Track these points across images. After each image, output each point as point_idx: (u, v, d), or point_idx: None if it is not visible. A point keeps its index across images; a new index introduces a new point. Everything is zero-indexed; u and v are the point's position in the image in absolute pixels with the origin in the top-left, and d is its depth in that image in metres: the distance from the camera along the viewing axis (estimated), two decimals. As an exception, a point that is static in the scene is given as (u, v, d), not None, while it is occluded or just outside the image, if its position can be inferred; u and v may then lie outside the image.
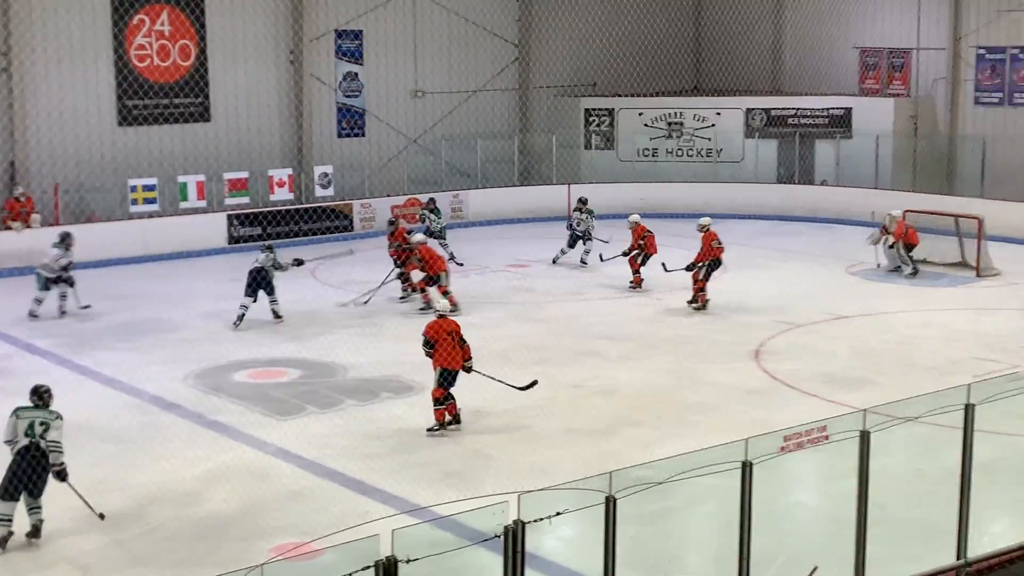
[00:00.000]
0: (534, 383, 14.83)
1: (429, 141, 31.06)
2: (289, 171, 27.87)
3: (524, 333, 18.81)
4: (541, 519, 7.09)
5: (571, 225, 24.36)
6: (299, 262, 20.19)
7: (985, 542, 9.81)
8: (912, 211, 24.09)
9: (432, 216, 25.33)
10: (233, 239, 26.51)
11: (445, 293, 20.01)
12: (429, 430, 14.02)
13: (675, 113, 32.40)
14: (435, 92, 31.16)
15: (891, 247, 23.17)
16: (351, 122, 30.03)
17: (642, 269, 21.88)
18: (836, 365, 16.86)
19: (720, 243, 20.33)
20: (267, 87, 28.61)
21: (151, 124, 27.00)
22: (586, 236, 24.05)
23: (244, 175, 27.04)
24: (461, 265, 24.20)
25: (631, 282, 21.92)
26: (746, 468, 7.98)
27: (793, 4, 33.84)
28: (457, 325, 14.32)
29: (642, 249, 21.95)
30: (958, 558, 8.99)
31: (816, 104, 31.39)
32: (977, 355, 17.10)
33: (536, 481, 11.79)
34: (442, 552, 6.83)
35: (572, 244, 24.22)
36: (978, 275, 22.82)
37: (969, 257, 23.33)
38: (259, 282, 19.47)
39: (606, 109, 32.78)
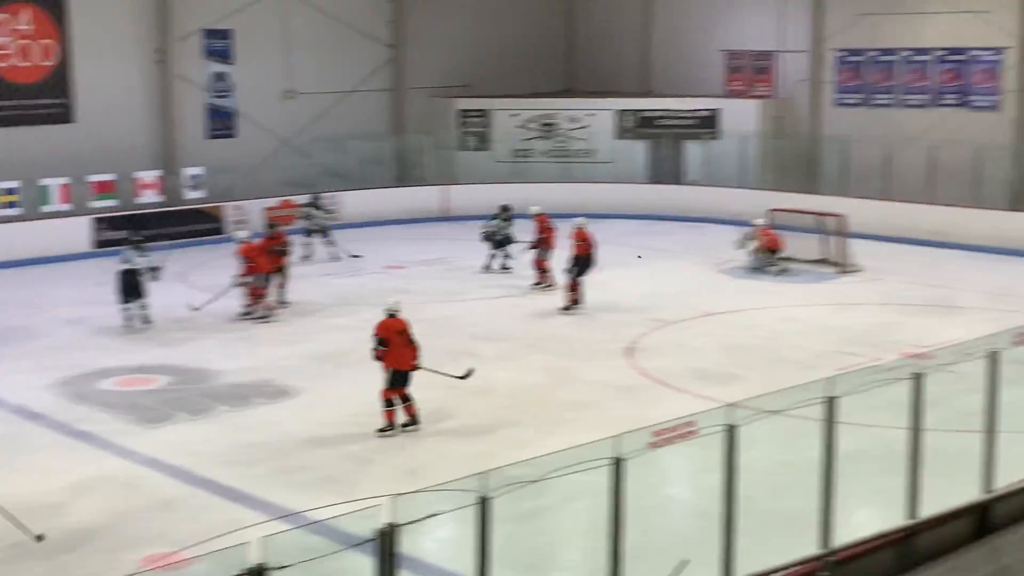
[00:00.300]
0: (471, 371, 14.97)
1: (302, 142, 30.70)
2: (157, 173, 27.31)
3: (399, 335, 18.69)
4: (415, 521, 7.06)
5: (489, 235, 23.73)
6: (155, 270, 19.57)
7: (848, 531, 10.07)
8: (777, 209, 24.66)
9: (318, 213, 25.20)
10: (99, 243, 25.82)
11: (260, 296, 19.77)
12: (379, 431, 13.86)
13: (548, 114, 32.61)
14: (308, 93, 30.80)
15: (756, 252, 23.62)
16: (221, 123, 29.52)
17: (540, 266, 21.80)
18: (706, 361, 17.16)
19: (582, 240, 20.20)
20: (133, 87, 27.95)
21: (12, 126, 26.13)
22: (506, 242, 23.66)
23: (110, 177, 26.41)
24: (359, 256, 24.47)
25: (537, 282, 21.83)
26: (617, 464, 8.05)
27: (661, 8, 34.34)
28: (405, 323, 14.05)
29: (541, 242, 21.86)
30: (822, 547, 9.21)
31: (684, 106, 31.90)
32: (840, 349, 17.57)
33: (412, 483, 11.77)
34: (314, 558, 6.75)
35: (497, 248, 23.77)
36: (841, 271, 23.45)
37: (832, 254, 23.96)
38: (130, 284, 19.06)
39: (480, 110, 32.84)
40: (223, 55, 29.36)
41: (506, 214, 23.78)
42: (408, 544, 7.10)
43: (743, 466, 8.79)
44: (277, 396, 15.55)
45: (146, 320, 19.27)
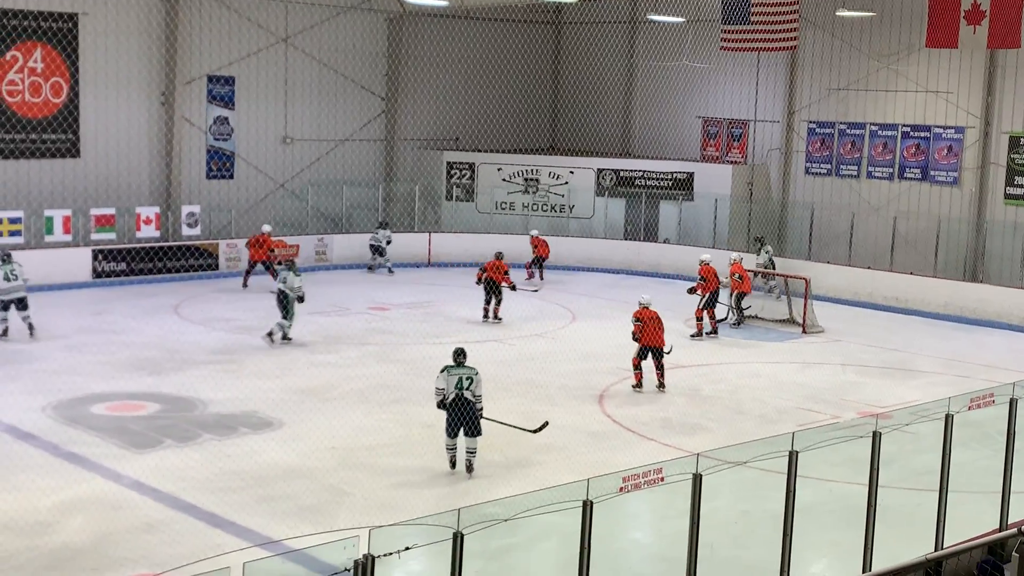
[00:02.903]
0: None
1: (296, 186, 30.75)
2: (156, 209, 27.26)
3: (381, 373, 18.67)
4: (391, 553, 7.01)
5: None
6: (301, 299, 20.34)
7: (805, 580, 10.06)
8: (747, 271, 24.75)
9: (384, 233, 28.88)
10: (97, 274, 25.75)
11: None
12: (634, 387, 18.08)
13: (531, 170, 32.77)
14: (304, 139, 30.91)
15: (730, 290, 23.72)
16: (220, 164, 29.55)
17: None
18: (672, 411, 17.14)
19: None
20: (138, 126, 27.97)
21: (20, 158, 26.10)
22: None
23: (111, 211, 26.35)
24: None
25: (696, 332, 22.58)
26: (586, 507, 8.03)
27: (643, 74, 34.67)
28: (656, 314, 18.31)
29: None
30: (780, 595, 9.19)
31: (661, 167, 32.12)
32: (801, 405, 17.60)
33: (388, 516, 11.68)
34: (292, 585, 6.70)
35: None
36: (804, 332, 23.53)
37: (796, 315, 24.05)
38: (282, 303, 20.18)
39: (467, 163, 32.98)
40: (225, 100, 29.44)
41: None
42: (382, 575, 7.05)
43: (706, 514, 8.78)
44: (261, 427, 15.46)
45: (286, 337, 20.20)
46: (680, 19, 30.82)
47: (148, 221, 26.91)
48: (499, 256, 23.44)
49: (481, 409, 13.78)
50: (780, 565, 9.33)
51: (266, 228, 26.80)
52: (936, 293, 26.33)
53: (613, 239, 31.40)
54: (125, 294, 24.73)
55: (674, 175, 31.81)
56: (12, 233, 24.81)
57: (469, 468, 13.79)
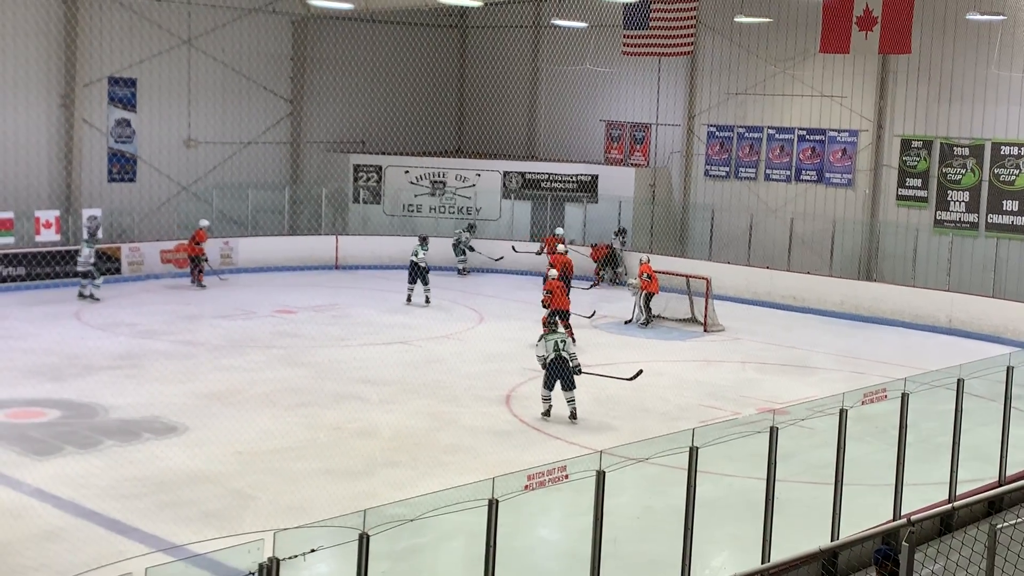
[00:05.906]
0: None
1: (201, 189, 30.26)
2: (56, 213, 26.59)
3: (288, 376, 18.49)
4: (296, 556, 6.94)
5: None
6: (428, 270, 24.75)
7: (707, 574, 10.20)
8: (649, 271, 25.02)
9: (467, 235, 30.55)
10: (-4, 278, 25.06)
11: None
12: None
13: (439, 172, 32.71)
14: (208, 142, 30.42)
15: (635, 290, 24.02)
16: (122, 167, 28.90)
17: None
18: (578, 410, 17.23)
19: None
20: (37, 129, 27.24)
21: (-88, 160, 25.27)
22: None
23: (9, 215, 25.64)
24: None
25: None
26: (492, 505, 8.04)
27: (547, 78, 34.85)
28: (560, 285, 21.38)
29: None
30: (682, 588, 9.29)
31: (566, 170, 32.31)
32: (702, 402, 17.84)
33: (295, 519, 11.57)
34: (196, 590, 6.59)
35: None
36: (705, 330, 23.87)
37: (698, 314, 24.39)
38: (415, 273, 24.49)
39: (374, 166, 32.79)
40: (127, 102, 28.83)
41: None
42: (288, 578, 6.98)
43: (610, 510, 8.85)
44: (165, 432, 15.19)
45: (427, 300, 24.43)
46: (583, 24, 31.04)
47: (48, 225, 26.24)
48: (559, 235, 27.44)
49: (577, 365, 16.41)
50: (681, 558, 9.45)
51: (202, 223, 27.43)
52: (832, 292, 26.91)
53: (520, 240, 31.47)
54: (24, 299, 24.11)
55: (578, 177, 32.02)
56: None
57: (572, 416, 16.32)
